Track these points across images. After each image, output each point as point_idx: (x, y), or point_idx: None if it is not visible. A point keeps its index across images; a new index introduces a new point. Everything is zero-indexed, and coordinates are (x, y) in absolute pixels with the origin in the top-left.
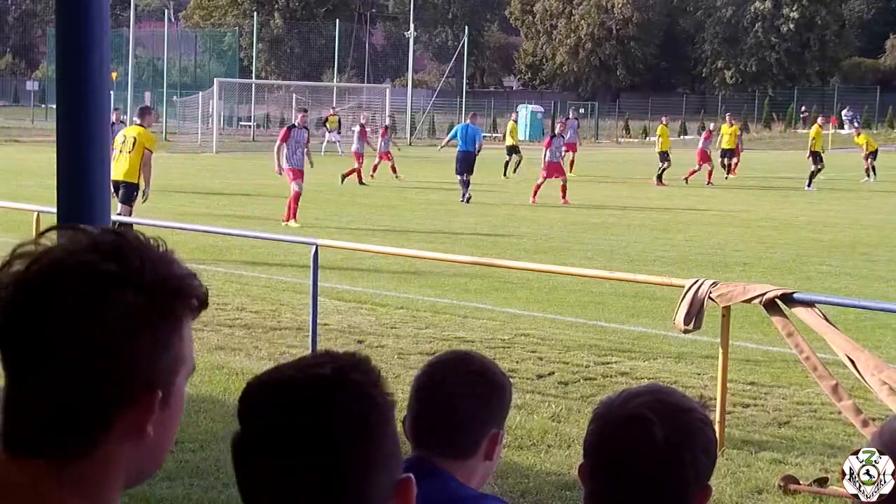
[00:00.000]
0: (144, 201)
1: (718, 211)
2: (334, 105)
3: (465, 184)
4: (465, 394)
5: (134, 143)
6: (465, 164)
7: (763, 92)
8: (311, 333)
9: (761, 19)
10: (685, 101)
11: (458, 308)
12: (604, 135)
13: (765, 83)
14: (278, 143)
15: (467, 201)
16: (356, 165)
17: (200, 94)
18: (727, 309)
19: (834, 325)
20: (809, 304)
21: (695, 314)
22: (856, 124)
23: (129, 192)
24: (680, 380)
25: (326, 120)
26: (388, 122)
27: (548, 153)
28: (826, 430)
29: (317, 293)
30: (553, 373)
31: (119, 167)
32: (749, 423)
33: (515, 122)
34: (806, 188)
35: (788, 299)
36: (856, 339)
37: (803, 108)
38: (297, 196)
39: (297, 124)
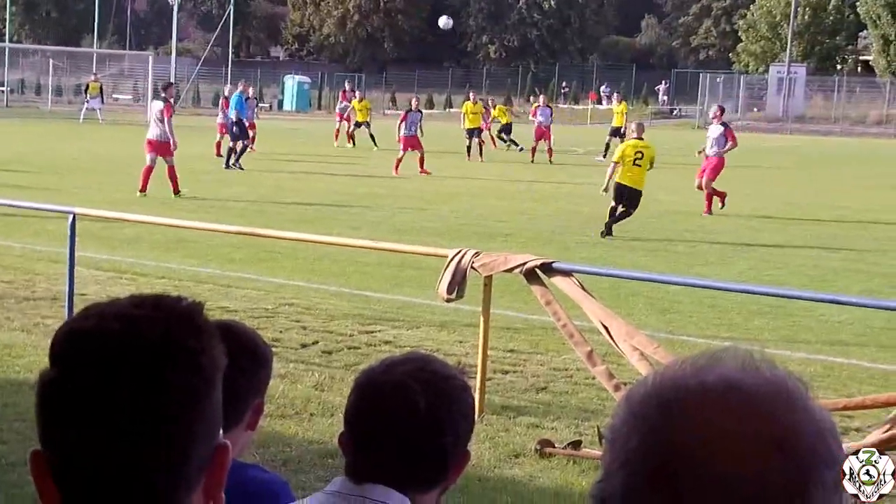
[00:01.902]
0: None
1: (482, 183)
2: (95, 72)
3: (232, 150)
4: (228, 366)
5: None
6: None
7: (526, 67)
8: (66, 304)
9: None
10: (451, 74)
11: (222, 278)
12: (372, 107)
13: (528, 59)
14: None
15: (229, 166)
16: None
17: None
18: (489, 278)
19: (590, 294)
20: (567, 273)
21: (458, 283)
22: (615, 95)
23: None
24: (442, 348)
25: (87, 87)
26: (251, 92)
27: (403, 127)
28: (581, 394)
29: (73, 262)
30: (317, 342)
31: None
32: (508, 389)
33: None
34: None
35: (548, 269)
36: (610, 307)
37: (564, 84)
38: (149, 169)
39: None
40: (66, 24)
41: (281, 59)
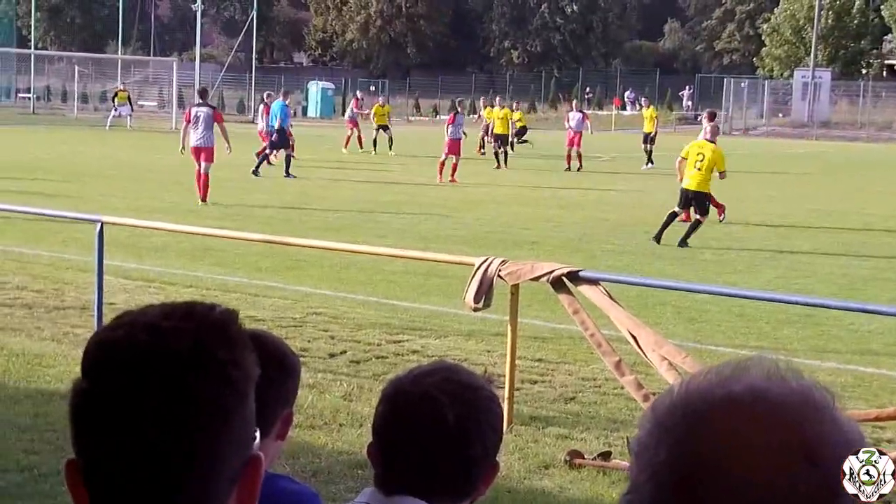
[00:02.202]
0: None
1: (507, 190)
2: (120, 78)
3: (265, 158)
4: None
5: None
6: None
7: (549, 72)
8: (96, 313)
9: (547, 1)
10: (474, 80)
11: (249, 287)
12: (395, 112)
13: (551, 64)
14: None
15: (257, 173)
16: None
17: None
18: (516, 287)
19: (617, 303)
20: (594, 281)
21: (484, 292)
22: (643, 100)
23: None
24: (470, 357)
25: (115, 95)
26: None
27: (450, 129)
28: (610, 405)
29: (102, 271)
30: (345, 351)
31: None
32: (537, 400)
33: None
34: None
35: (574, 277)
36: (637, 316)
37: (588, 90)
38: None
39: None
40: (90, 31)
41: (304, 64)
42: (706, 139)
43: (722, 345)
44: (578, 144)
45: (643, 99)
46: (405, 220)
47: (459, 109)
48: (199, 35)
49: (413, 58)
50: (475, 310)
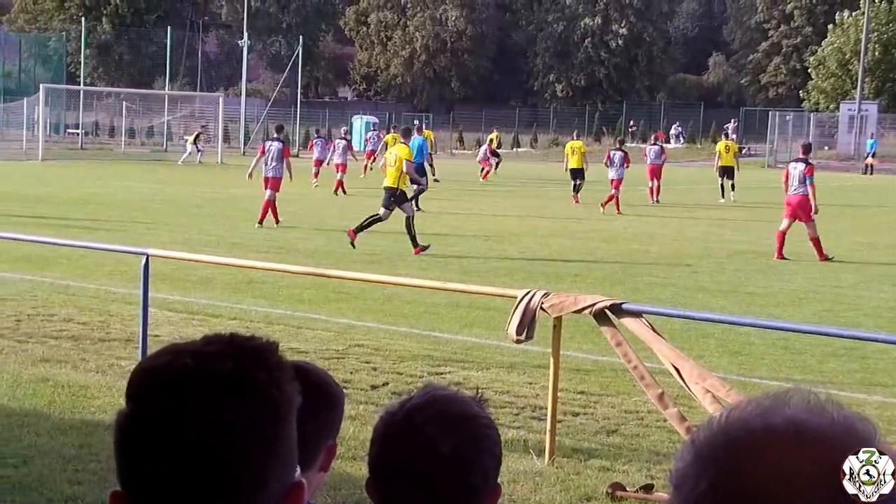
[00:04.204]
0: None
1: (549, 223)
2: (167, 113)
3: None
4: (300, 407)
5: None
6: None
7: (593, 106)
8: (140, 345)
9: (591, 35)
10: (518, 114)
11: (292, 319)
12: (438, 146)
13: (594, 97)
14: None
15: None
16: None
17: (25, 100)
18: (559, 319)
19: (660, 335)
20: (637, 314)
21: (527, 324)
22: (731, 132)
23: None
24: (512, 389)
25: (197, 136)
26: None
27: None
28: (652, 437)
29: (147, 304)
30: (387, 383)
31: None
32: (579, 432)
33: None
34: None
35: (617, 310)
36: (680, 349)
37: (632, 123)
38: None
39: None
40: (138, 67)
41: (349, 99)
42: None
43: (766, 378)
44: (658, 177)
45: (731, 127)
46: (448, 252)
47: (621, 147)
48: (246, 70)
49: (457, 92)
50: (518, 342)
